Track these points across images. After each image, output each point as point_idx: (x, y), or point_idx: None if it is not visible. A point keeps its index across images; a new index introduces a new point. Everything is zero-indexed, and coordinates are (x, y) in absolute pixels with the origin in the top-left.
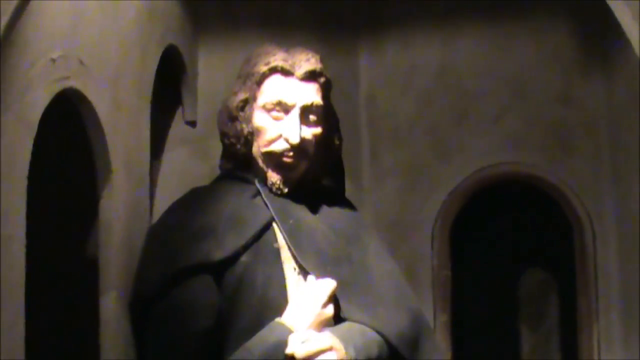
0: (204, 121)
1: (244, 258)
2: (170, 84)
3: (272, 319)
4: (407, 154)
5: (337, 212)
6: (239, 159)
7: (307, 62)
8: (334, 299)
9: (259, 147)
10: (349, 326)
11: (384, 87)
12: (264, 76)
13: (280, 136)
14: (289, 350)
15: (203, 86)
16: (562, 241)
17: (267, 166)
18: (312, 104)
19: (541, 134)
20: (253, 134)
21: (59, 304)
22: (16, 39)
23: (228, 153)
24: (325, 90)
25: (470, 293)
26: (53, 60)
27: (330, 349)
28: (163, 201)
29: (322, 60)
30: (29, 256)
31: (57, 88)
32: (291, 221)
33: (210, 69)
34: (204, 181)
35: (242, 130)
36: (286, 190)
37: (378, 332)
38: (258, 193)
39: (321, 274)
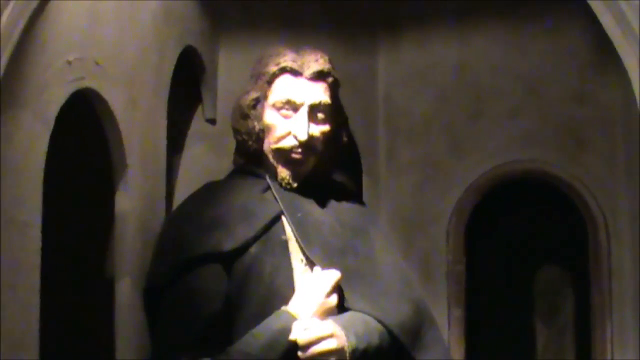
0: (224, 118)
1: (253, 249)
2: (190, 83)
3: (279, 307)
4: (423, 151)
5: (345, 206)
6: (250, 155)
7: (315, 62)
8: (338, 289)
9: (269, 144)
10: (352, 315)
11: (400, 86)
12: (274, 76)
13: (290, 133)
14: (292, 337)
15: (223, 85)
16: (576, 238)
17: (277, 162)
18: (320, 103)
19: (556, 132)
20: (264, 131)
21: (75, 289)
22: (34, 41)
23: (240, 149)
24: (334, 90)
25: (484, 288)
26: (69, 62)
27: (332, 336)
28: (184, 193)
29: (330, 61)
30: (49, 242)
31: (72, 88)
32: (299, 214)
33: (230, 69)
34: (223, 175)
35: (253, 127)
36: (295, 185)
37: (380, 322)
38: (268, 187)
39: (327, 265)
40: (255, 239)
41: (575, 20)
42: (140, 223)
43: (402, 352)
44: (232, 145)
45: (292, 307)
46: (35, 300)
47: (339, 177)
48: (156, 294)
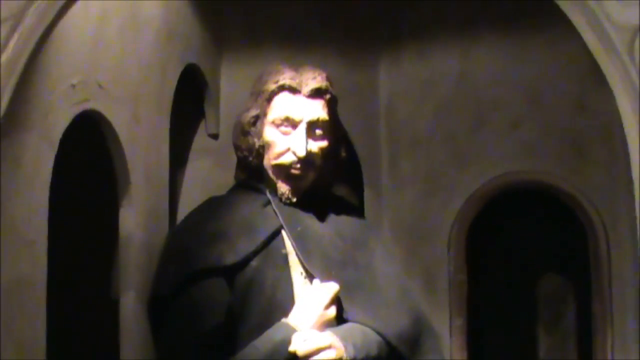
0: (226, 134)
1: (254, 262)
2: (193, 99)
3: (279, 319)
4: (425, 162)
5: (344, 219)
6: (251, 170)
7: (313, 80)
8: (337, 301)
9: (269, 160)
10: (350, 327)
11: (402, 98)
12: (273, 93)
13: (289, 149)
14: (292, 348)
15: (225, 101)
16: (577, 248)
17: (277, 177)
18: (318, 119)
19: (557, 142)
20: (264, 147)
21: (80, 304)
22: (39, 66)
23: (242, 165)
24: (331, 106)
25: (486, 298)
26: (73, 86)
27: (330, 347)
28: (187, 208)
29: (328, 78)
30: (55, 258)
31: (77, 110)
32: (299, 228)
33: (232, 85)
34: (225, 190)
35: (253, 144)
36: (295, 199)
37: (378, 333)
38: (269, 202)
39: (326, 277)
40: (256, 252)
41: (575, 31)
42: (144, 238)
43: None
44: (234, 160)
45: (292, 319)
46: (42, 315)
47: (338, 190)
48: (160, 304)
